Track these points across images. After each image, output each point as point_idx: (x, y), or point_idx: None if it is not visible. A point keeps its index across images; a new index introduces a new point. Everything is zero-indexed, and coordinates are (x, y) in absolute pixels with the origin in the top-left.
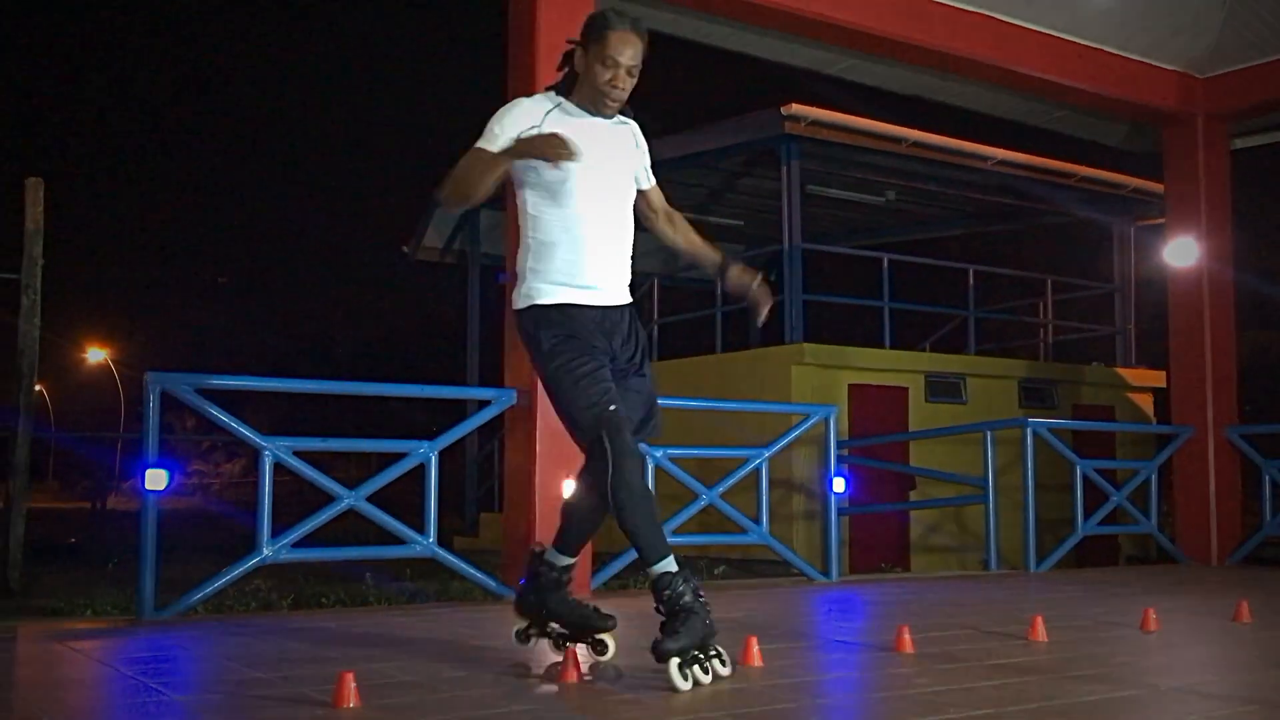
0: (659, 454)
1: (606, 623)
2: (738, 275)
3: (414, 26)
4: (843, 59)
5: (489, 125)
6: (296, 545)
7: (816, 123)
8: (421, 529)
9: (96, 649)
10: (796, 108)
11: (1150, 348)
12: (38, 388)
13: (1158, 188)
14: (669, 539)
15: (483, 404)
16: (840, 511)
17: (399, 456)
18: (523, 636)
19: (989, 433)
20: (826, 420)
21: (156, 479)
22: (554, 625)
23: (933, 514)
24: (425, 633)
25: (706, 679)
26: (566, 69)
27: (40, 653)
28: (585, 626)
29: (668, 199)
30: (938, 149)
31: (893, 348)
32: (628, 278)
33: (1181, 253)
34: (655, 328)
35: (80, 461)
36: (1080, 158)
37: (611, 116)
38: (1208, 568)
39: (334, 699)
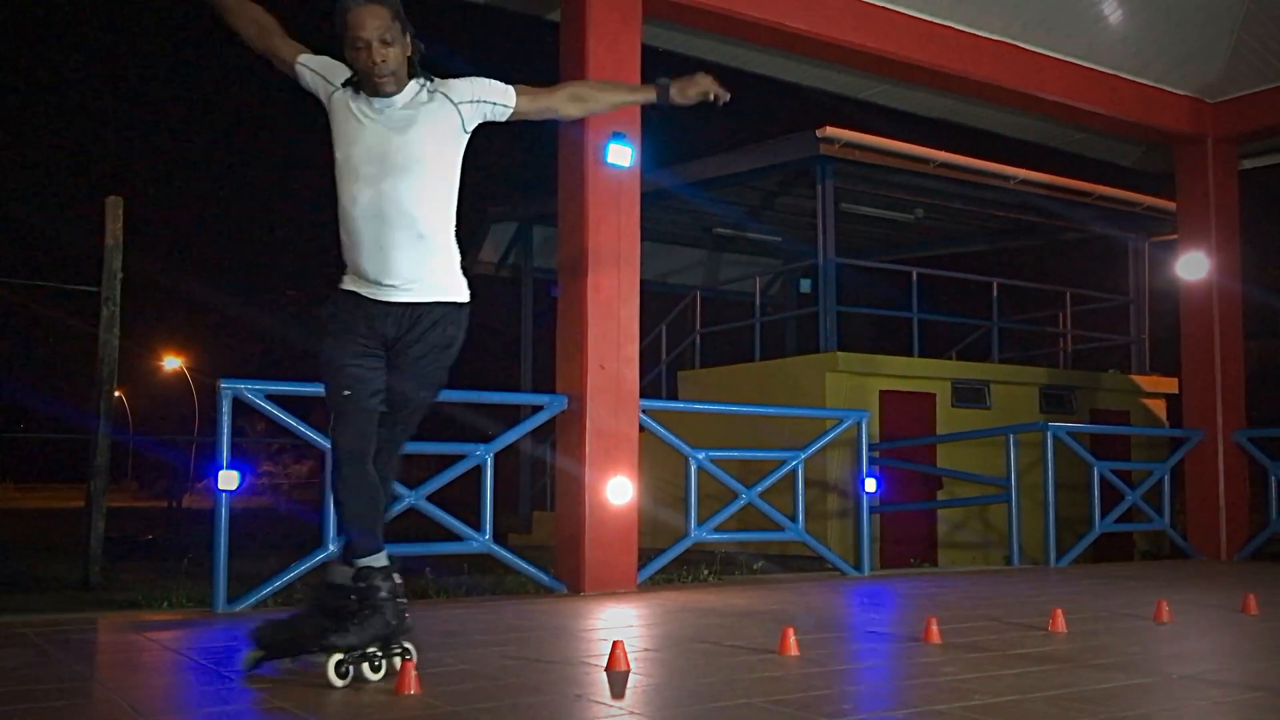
0: (701, 456)
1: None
2: (680, 90)
3: (478, 50)
4: (874, 85)
5: (316, 58)
6: None
7: (849, 144)
8: (478, 526)
9: (172, 639)
10: (831, 130)
11: (1163, 356)
12: (117, 394)
13: (1170, 206)
14: (712, 536)
15: (536, 409)
16: (872, 510)
17: (457, 458)
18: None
19: (1011, 436)
20: (859, 424)
21: (228, 479)
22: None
23: (958, 512)
24: (482, 624)
25: (376, 676)
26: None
27: (119, 642)
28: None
29: (709, 215)
30: (963, 169)
31: (921, 356)
32: (419, 267)
33: (1192, 267)
34: (698, 337)
35: (157, 463)
36: (1097, 177)
37: (392, 93)
38: (1217, 563)
39: (396, 686)
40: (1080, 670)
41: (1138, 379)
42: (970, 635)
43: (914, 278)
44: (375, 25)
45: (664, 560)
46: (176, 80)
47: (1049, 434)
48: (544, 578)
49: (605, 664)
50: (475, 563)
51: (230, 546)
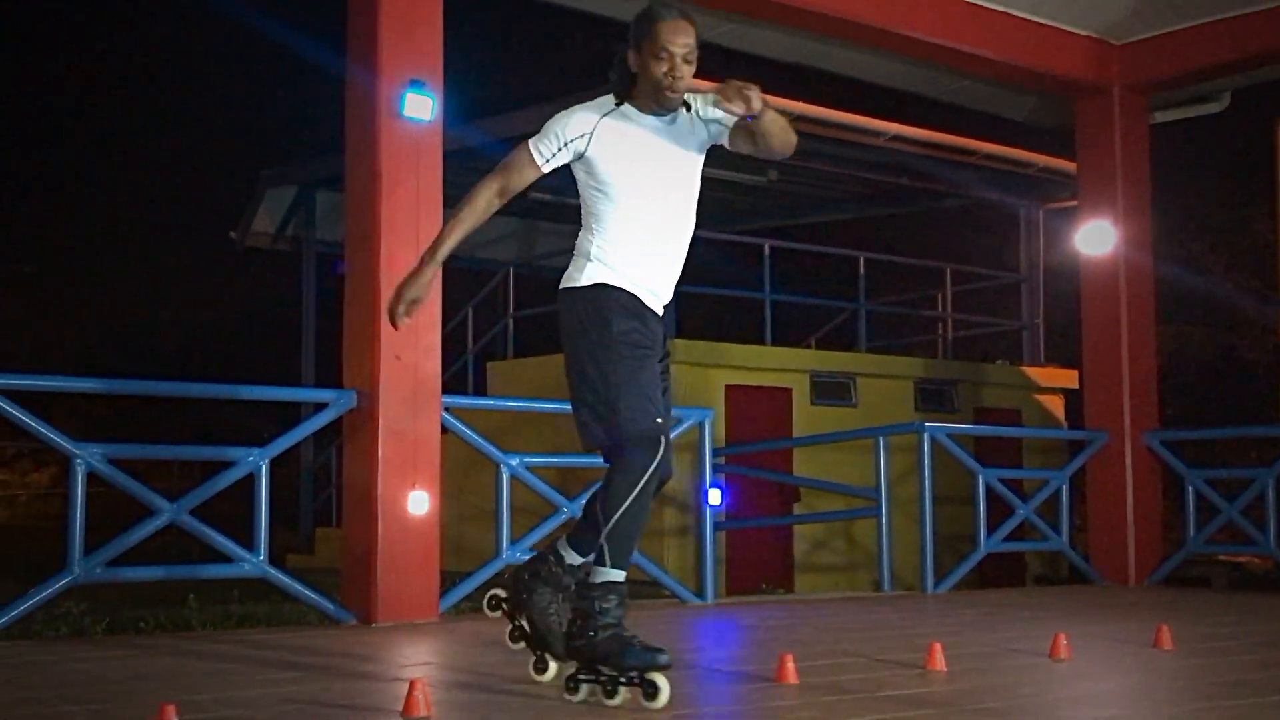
0: (514, 462)
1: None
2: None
3: None
4: (719, 24)
5: (549, 127)
6: (112, 564)
7: (690, 94)
8: (251, 546)
9: None
10: None
11: (1061, 344)
12: None
13: (1069, 166)
14: (528, 556)
15: (319, 407)
16: (716, 526)
17: (226, 465)
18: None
19: (882, 439)
20: (701, 425)
21: None
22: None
23: (819, 529)
24: (255, 660)
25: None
26: (616, 75)
27: None
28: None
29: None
30: (825, 123)
31: (774, 344)
32: (674, 280)
33: (1095, 238)
34: (510, 321)
35: None
36: (983, 133)
37: (674, 109)
38: (1125, 589)
39: None
40: (961, 715)
41: (1030, 371)
42: (832, 674)
43: (766, 251)
44: (684, 42)
45: (471, 585)
46: None
47: (926, 436)
48: (329, 606)
49: (401, 708)
50: (247, 588)
51: None
